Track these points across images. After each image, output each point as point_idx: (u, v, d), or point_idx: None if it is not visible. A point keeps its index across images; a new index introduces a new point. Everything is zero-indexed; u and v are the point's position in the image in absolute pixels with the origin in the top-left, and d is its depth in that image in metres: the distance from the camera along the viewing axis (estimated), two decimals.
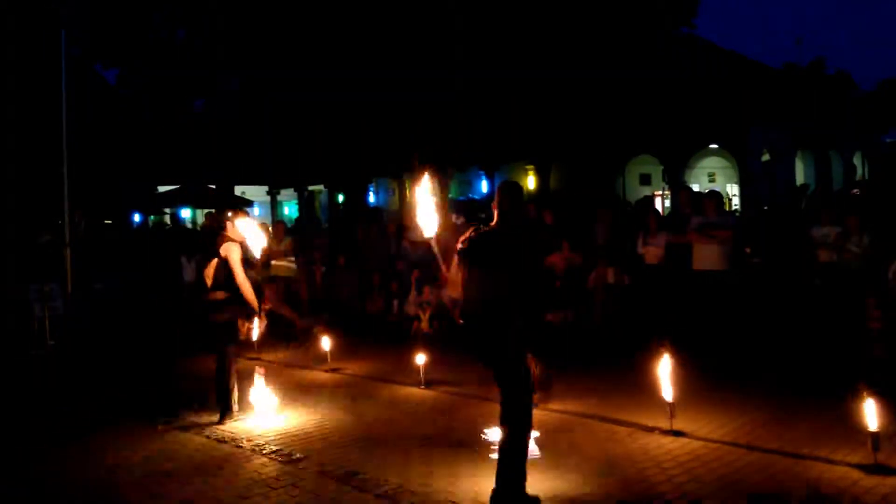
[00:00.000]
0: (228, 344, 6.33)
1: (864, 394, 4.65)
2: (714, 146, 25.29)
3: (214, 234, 6.45)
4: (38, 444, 5.94)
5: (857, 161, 29.95)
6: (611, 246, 9.97)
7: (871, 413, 4.59)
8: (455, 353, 7.74)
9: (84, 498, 4.78)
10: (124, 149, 24.29)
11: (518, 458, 4.15)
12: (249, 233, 6.42)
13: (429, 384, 7.18)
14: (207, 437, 5.89)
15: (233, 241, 6.33)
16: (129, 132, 24.85)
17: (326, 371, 8.09)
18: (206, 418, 6.33)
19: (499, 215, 4.45)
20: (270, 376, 6.69)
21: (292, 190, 32.50)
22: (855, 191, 15.47)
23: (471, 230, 4.54)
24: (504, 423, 4.22)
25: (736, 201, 24.70)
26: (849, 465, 4.62)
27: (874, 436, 4.56)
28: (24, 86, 18.25)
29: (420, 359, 7.26)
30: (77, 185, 11.00)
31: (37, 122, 16.82)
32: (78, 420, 6.52)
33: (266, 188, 31.21)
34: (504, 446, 4.18)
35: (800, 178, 27.15)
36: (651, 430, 5.49)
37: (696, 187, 22.50)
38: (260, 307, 6.50)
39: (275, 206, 32.07)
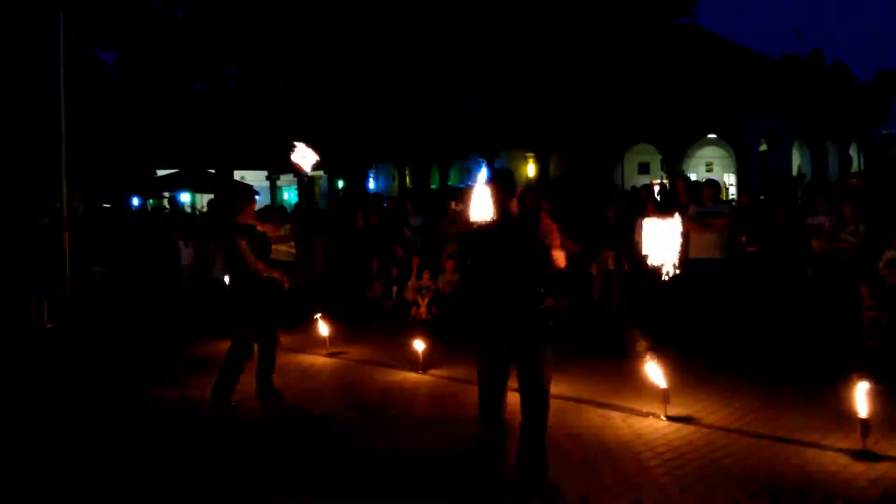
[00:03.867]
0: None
1: (855, 382, 4.74)
2: (712, 136, 25.35)
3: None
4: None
5: (852, 152, 30.02)
6: (612, 232, 10.06)
7: (861, 400, 4.68)
8: (453, 339, 7.83)
9: None
10: (123, 132, 24.19)
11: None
12: None
13: (426, 369, 7.25)
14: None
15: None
16: (127, 115, 24.73)
17: (325, 356, 8.16)
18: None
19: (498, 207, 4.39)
20: None
21: (291, 175, 32.44)
22: (853, 180, 15.55)
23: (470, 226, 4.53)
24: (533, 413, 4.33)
25: (733, 191, 24.80)
26: (839, 450, 4.72)
27: (864, 422, 4.65)
28: (22, 68, 18.14)
29: (418, 344, 7.32)
30: (75, 169, 10.97)
31: (34, 104, 16.76)
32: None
33: (265, 173, 31.12)
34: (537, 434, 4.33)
35: (796, 168, 27.22)
36: (646, 415, 5.57)
37: (693, 176, 22.57)
38: None
39: (274, 191, 32.03)
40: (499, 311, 4.32)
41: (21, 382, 7.58)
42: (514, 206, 4.43)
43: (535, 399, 4.32)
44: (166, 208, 22.07)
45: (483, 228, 4.43)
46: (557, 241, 4.33)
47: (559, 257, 4.33)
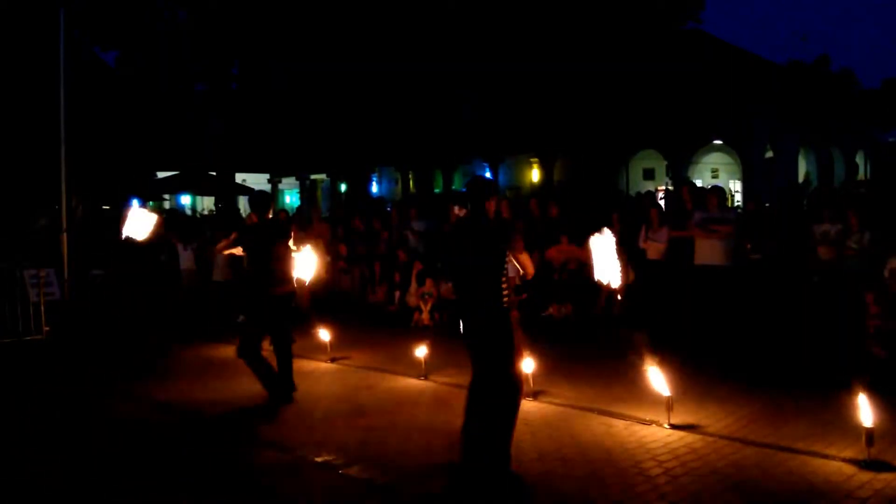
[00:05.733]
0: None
1: (860, 390, 4.67)
2: (718, 142, 25.25)
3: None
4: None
5: (859, 159, 29.89)
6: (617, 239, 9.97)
7: (865, 409, 4.61)
8: (455, 344, 7.74)
9: None
10: (123, 133, 24.13)
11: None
12: None
13: (428, 375, 7.18)
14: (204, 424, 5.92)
15: None
16: (128, 116, 24.68)
17: (327, 361, 8.10)
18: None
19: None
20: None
21: (294, 178, 32.44)
22: (861, 189, 15.49)
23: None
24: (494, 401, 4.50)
25: (738, 197, 24.70)
26: (843, 460, 4.64)
27: (868, 432, 4.57)
28: (22, 68, 18.12)
29: (420, 350, 7.26)
30: (75, 170, 10.93)
31: (34, 105, 16.73)
32: None
33: (267, 176, 31.11)
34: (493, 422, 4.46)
35: (802, 175, 27.12)
36: (649, 423, 5.50)
37: (699, 182, 22.48)
38: None
39: (276, 194, 32.04)
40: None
41: (20, 385, 7.54)
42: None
43: (493, 404, 4.54)
44: (165, 211, 22.04)
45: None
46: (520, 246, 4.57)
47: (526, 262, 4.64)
